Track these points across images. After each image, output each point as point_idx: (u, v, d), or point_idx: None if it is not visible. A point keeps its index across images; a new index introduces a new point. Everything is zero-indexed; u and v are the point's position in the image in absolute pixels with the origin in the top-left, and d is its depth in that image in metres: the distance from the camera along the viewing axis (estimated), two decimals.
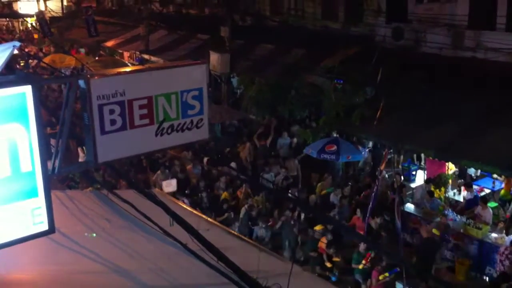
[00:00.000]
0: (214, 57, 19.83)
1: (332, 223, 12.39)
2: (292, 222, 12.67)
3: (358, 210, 13.02)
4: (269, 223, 12.80)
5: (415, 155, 16.06)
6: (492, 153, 12.41)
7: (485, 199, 13.35)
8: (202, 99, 5.57)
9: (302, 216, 12.80)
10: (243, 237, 6.44)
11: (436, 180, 14.61)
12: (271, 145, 17.70)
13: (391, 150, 14.94)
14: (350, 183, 15.19)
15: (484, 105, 13.32)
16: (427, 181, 14.64)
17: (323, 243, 11.85)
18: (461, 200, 14.36)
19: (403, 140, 14.00)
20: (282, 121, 18.79)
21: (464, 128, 13.18)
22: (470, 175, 15.38)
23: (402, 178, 15.29)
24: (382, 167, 12.88)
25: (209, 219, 6.69)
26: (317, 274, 10.78)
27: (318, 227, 12.27)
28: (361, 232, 12.17)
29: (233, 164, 15.28)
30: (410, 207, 13.76)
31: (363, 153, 15.80)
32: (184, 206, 6.73)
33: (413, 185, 15.20)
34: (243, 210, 13.15)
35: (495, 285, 10.92)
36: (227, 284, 4.04)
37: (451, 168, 15.07)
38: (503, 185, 14.47)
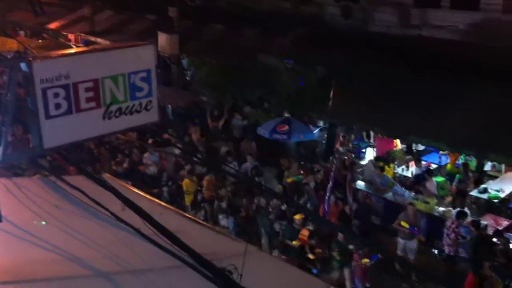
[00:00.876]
0: (162, 38, 19.48)
1: (304, 211, 12.03)
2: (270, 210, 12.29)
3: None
4: (241, 214, 12.50)
5: (364, 133, 16.37)
6: (438, 129, 12.80)
7: (430, 172, 13.84)
8: (151, 81, 5.48)
9: (283, 207, 12.25)
10: (198, 220, 6.41)
11: (385, 157, 14.96)
12: (224, 127, 17.66)
13: (342, 129, 15.18)
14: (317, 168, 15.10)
15: (431, 82, 13.66)
16: (376, 158, 14.97)
17: (303, 235, 11.29)
18: (410, 175, 14.79)
19: (353, 118, 14.23)
20: (234, 102, 18.75)
21: (412, 105, 13.48)
22: (417, 151, 15.81)
23: (353, 156, 15.57)
24: (338, 145, 13.09)
25: (162, 203, 6.62)
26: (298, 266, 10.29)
27: (297, 216, 11.71)
28: (334, 218, 12.15)
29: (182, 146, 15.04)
30: (361, 184, 14.05)
31: (314, 132, 15.98)
32: (137, 190, 6.63)
33: (363, 162, 15.52)
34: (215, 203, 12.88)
35: (446, 263, 11.31)
36: (182, 267, 4.01)
37: (398, 146, 15.48)
38: (449, 160, 14.98)
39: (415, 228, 11.64)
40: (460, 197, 13.30)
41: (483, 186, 13.82)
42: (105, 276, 4.67)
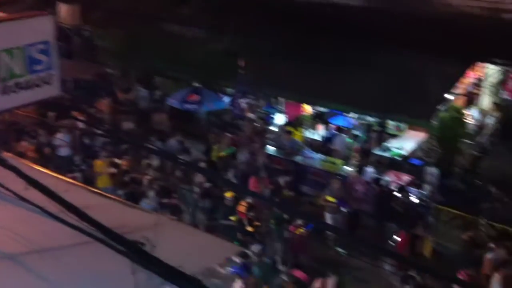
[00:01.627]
0: (62, 8, 18.60)
1: (231, 186, 11.59)
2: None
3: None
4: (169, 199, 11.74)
5: (274, 99, 16.60)
6: (344, 92, 13.25)
7: (341, 129, 14.49)
8: (50, 53, 5.28)
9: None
10: (106, 194, 6.29)
11: (294, 122, 15.31)
12: (131, 98, 17.26)
13: (252, 96, 15.32)
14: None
15: (336, 47, 13.99)
16: (286, 124, 15.29)
17: (242, 206, 11.06)
18: (319, 138, 15.27)
19: (263, 84, 14.39)
20: (142, 73, 18.32)
21: (318, 70, 13.83)
22: (325, 114, 16.30)
23: (263, 122, 15.79)
24: (247, 114, 13.20)
25: (68, 179, 6.43)
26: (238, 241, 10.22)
27: (228, 194, 11.37)
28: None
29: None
30: (271, 149, 14.32)
31: (225, 100, 16.01)
32: (41, 168, 6.39)
33: (273, 128, 15.79)
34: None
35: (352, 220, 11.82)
36: (92, 243, 3.96)
37: (307, 110, 15.86)
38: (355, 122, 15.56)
39: (343, 202, 11.82)
40: (364, 156, 13.97)
41: (386, 144, 14.56)
42: (11, 257, 4.51)
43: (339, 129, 14.58)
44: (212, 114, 16.62)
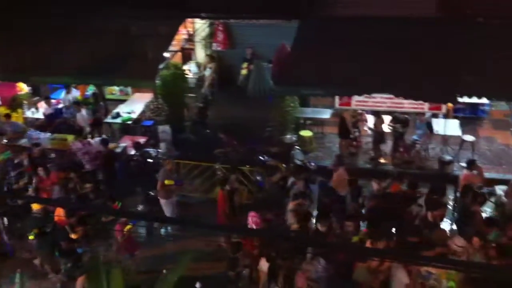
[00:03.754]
0: None
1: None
2: None
3: None
4: None
5: None
6: (63, 64, 12.38)
7: (77, 103, 13.87)
8: None
9: None
10: None
11: (11, 103, 13.98)
12: None
13: None
14: None
15: (40, 16, 12.98)
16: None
17: (59, 216, 9.90)
18: (42, 116, 14.24)
19: None
20: None
21: (30, 43, 12.65)
22: (44, 90, 15.30)
23: None
24: None
25: None
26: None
27: (36, 206, 10.12)
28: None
29: None
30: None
31: None
32: None
33: None
34: None
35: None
36: None
37: (23, 89, 14.63)
38: (79, 93, 14.93)
39: (180, 180, 11.28)
40: (97, 126, 13.59)
41: (115, 111, 14.36)
42: None
43: (76, 103, 13.80)
44: None
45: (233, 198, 10.30)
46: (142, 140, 12.87)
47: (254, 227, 9.34)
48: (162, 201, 10.83)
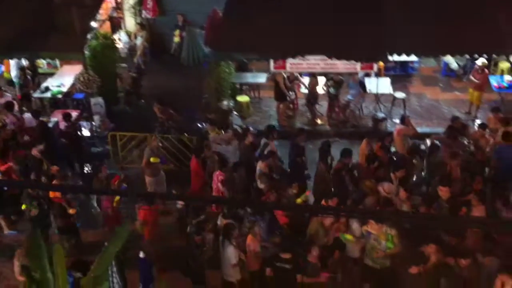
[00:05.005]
0: None
1: None
2: None
3: None
4: None
5: None
6: None
7: None
8: None
9: None
10: None
11: None
12: None
13: None
14: None
15: None
16: None
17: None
18: None
19: None
20: None
21: None
22: None
23: None
24: None
25: None
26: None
27: None
28: None
29: None
30: None
31: None
32: None
33: None
34: None
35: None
36: None
37: None
38: (3, 68, 14.27)
39: (163, 158, 10.94)
40: (26, 101, 13.06)
41: (44, 85, 13.79)
42: None
43: None
44: None
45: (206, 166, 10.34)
46: (74, 113, 12.43)
47: (220, 185, 9.53)
48: (149, 179, 10.58)
